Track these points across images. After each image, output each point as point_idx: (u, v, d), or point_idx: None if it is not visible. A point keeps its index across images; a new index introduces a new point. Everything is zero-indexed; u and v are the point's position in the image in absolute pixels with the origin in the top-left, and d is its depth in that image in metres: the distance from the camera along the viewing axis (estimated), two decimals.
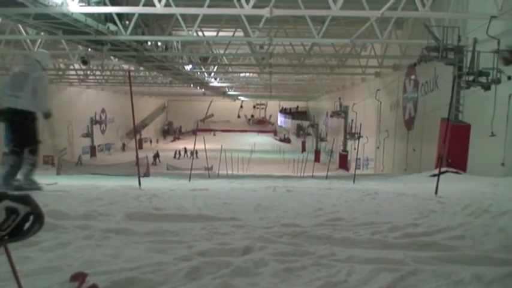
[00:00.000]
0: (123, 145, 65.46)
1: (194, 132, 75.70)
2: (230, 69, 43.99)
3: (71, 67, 39.09)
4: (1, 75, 33.48)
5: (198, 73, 44.81)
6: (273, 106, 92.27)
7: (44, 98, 8.98)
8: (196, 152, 53.23)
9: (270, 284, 3.69)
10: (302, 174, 30.31)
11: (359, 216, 6.69)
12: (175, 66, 38.22)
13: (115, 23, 20.70)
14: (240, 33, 27.28)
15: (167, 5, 17.60)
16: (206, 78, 48.72)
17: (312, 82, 50.96)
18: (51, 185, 10.09)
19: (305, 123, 76.21)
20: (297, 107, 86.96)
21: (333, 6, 16.57)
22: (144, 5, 18.13)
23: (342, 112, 42.27)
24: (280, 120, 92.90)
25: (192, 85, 53.34)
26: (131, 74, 42.56)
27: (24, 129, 8.88)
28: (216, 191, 10.38)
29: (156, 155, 53.76)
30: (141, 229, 5.41)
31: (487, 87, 16.10)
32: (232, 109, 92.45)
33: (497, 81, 15.68)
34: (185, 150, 61.18)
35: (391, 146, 29.82)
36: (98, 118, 57.32)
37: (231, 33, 28.29)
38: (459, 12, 18.63)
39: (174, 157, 60.57)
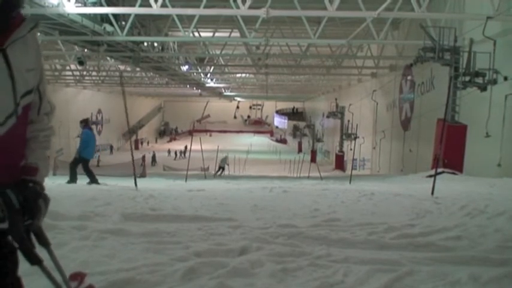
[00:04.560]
0: (111, 147, 63.86)
1: (190, 132, 75.58)
2: (226, 70, 43.99)
3: (67, 68, 39.00)
4: None
5: (195, 74, 44.79)
6: (269, 107, 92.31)
7: None
8: (184, 152, 52.79)
9: (266, 285, 3.69)
10: (298, 175, 30.31)
11: (355, 216, 6.70)
12: (171, 67, 38.20)
13: (111, 24, 20.65)
14: (236, 34, 27.25)
15: (163, 5, 17.57)
16: (202, 79, 48.71)
17: (308, 83, 51.00)
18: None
19: (301, 124, 76.25)
20: (293, 107, 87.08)
21: (329, 6, 16.57)
22: (140, 6, 18.09)
23: (338, 113, 42.29)
24: (277, 120, 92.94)
25: (188, 86, 53.33)
26: (127, 74, 42.75)
27: None
28: (212, 192, 10.37)
29: (154, 156, 53.56)
30: (138, 230, 5.41)
31: (483, 88, 16.12)
32: (229, 110, 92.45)
33: (494, 82, 15.70)
34: (169, 151, 62.30)
35: (388, 146, 29.85)
36: (94, 119, 57.11)
37: (227, 34, 28.25)
38: (455, 13, 18.64)
39: (168, 154, 60.87)
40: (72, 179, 13.79)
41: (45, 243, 2.14)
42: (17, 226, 1.93)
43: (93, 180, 13.78)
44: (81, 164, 14.24)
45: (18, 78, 1.94)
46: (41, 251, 2.07)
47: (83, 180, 13.86)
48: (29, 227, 2.00)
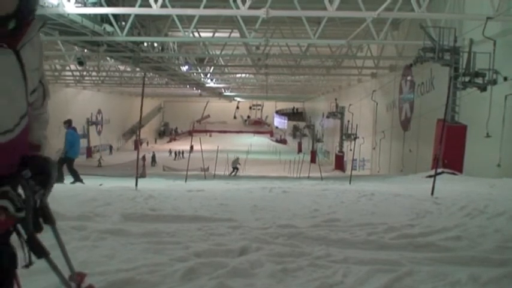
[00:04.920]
0: (110, 148, 63.22)
1: (190, 133, 75.50)
2: (226, 70, 43.97)
3: (67, 68, 38.98)
4: None
5: (194, 74, 44.78)
6: (269, 107, 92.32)
7: None
8: (182, 153, 52.76)
9: (266, 285, 3.69)
10: (298, 175, 30.30)
11: (355, 217, 6.70)
12: (171, 67, 38.18)
13: (111, 24, 20.66)
14: (236, 34, 27.25)
15: (163, 5, 17.57)
16: (202, 79, 48.70)
17: (308, 83, 51.01)
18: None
19: (301, 124, 76.26)
20: (293, 107, 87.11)
21: (329, 7, 16.57)
22: (140, 6, 18.10)
23: (338, 113, 42.27)
24: (277, 121, 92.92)
25: (188, 86, 53.31)
26: (127, 75, 42.72)
27: None
28: (212, 192, 10.36)
29: (153, 157, 53.35)
30: (137, 230, 5.41)
31: (483, 88, 16.12)
32: (229, 110, 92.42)
33: (493, 82, 15.69)
34: (170, 151, 62.20)
35: (387, 146, 29.85)
36: (94, 119, 57.14)
37: (227, 34, 28.24)
38: (455, 13, 18.64)
39: (170, 154, 60.79)
40: (59, 179, 14.04)
41: (50, 221, 2.18)
42: (29, 217, 1.99)
43: (77, 179, 14.24)
44: (66, 163, 14.64)
45: (29, 78, 2.00)
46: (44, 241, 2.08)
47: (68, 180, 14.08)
48: (42, 198, 2.06)
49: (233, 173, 34.27)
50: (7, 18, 1.88)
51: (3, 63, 1.89)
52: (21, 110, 1.98)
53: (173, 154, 60.50)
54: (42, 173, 2.06)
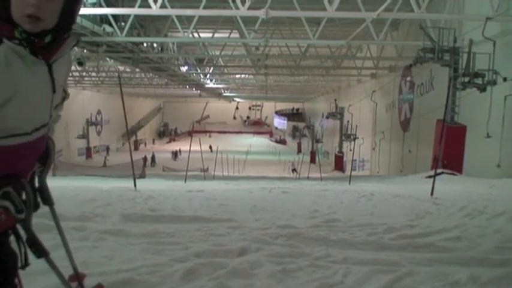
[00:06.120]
0: (107, 148, 61.79)
1: (190, 133, 75.36)
2: (226, 71, 43.99)
3: None
4: None
5: (194, 74, 44.79)
6: (268, 107, 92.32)
7: None
8: (179, 153, 52.59)
9: (266, 285, 3.69)
10: (298, 176, 30.31)
11: (355, 217, 6.69)
12: (171, 68, 38.18)
13: (111, 25, 20.66)
14: (235, 35, 27.28)
15: (163, 6, 17.58)
16: (202, 80, 48.70)
17: (308, 83, 51.02)
18: None
19: (301, 125, 76.25)
20: (293, 108, 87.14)
21: (328, 7, 16.57)
22: (139, 7, 18.10)
23: (337, 113, 42.26)
24: (276, 121, 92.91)
25: (187, 86, 53.30)
26: (127, 75, 42.73)
27: None
28: (211, 192, 10.35)
29: (153, 157, 53.16)
30: (137, 230, 5.40)
31: (482, 89, 16.13)
32: (228, 110, 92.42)
33: (493, 83, 15.71)
34: (178, 151, 61.41)
35: (387, 147, 29.86)
36: (93, 119, 57.08)
37: (226, 35, 28.28)
38: (455, 14, 18.66)
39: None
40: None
41: (49, 201, 2.24)
42: (30, 218, 2.04)
43: None
44: None
45: (57, 91, 2.10)
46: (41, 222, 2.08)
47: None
48: (41, 175, 2.23)
49: (296, 174, 35.31)
50: (44, 33, 1.93)
51: (39, 72, 1.97)
52: (44, 119, 2.08)
53: (176, 154, 59.96)
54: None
